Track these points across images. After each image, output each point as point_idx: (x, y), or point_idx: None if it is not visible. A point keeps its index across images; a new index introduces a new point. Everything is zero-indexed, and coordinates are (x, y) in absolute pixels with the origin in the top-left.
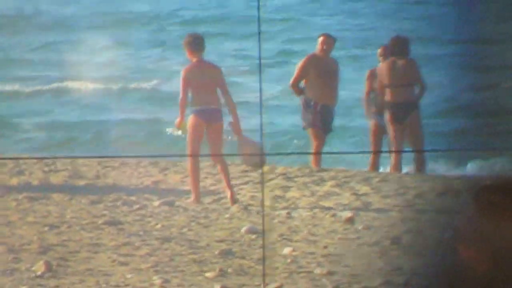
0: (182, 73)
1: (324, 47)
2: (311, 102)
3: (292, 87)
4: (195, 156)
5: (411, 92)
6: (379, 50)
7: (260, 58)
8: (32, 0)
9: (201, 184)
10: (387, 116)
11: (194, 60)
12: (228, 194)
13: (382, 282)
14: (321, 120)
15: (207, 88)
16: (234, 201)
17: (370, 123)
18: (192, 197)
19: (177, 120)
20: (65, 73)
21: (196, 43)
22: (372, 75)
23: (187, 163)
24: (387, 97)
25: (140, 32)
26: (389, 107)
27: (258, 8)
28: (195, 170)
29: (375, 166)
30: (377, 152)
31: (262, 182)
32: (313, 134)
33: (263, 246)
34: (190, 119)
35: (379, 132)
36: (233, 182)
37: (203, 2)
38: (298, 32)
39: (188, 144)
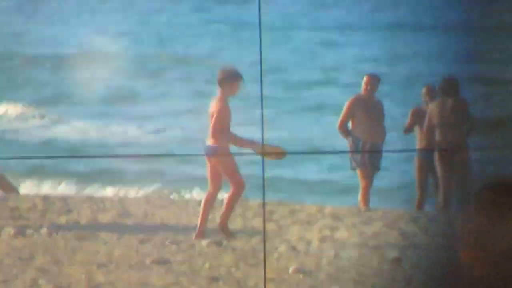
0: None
1: (369, 87)
2: (360, 142)
3: (339, 128)
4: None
5: (460, 132)
6: (423, 90)
7: (261, 73)
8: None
9: (250, 223)
10: (435, 155)
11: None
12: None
13: None
14: (369, 160)
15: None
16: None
17: (415, 161)
18: (196, 232)
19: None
20: None
21: (224, 78)
22: (415, 114)
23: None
24: (437, 136)
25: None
26: (438, 147)
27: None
28: (211, 204)
29: (421, 205)
30: (423, 191)
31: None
32: (362, 174)
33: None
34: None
35: (424, 170)
36: (281, 222)
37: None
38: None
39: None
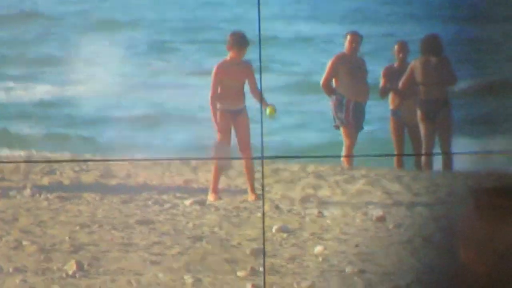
0: (214, 69)
1: (352, 45)
2: (343, 100)
3: (323, 86)
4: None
5: (443, 90)
6: (396, 47)
7: (260, 54)
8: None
9: (233, 183)
10: (419, 113)
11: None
12: (249, 189)
13: (413, 280)
14: (353, 118)
15: (235, 86)
16: (254, 197)
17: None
18: (211, 196)
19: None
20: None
21: (234, 41)
22: (388, 72)
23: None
24: (420, 94)
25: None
26: (422, 105)
27: (259, 5)
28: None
29: (399, 163)
30: (400, 149)
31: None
32: (346, 132)
33: (263, 248)
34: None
35: (400, 128)
36: (264, 181)
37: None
38: None
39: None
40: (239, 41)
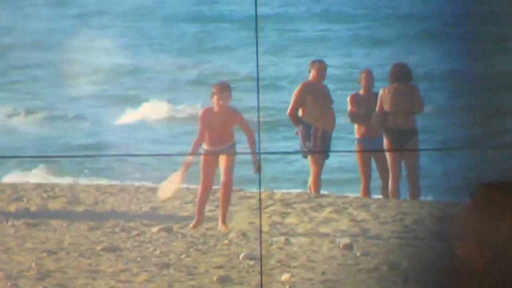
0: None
1: (318, 73)
2: (311, 129)
3: (290, 116)
4: (207, 187)
5: (411, 119)
6: (362, 74)
7: (257, 68)
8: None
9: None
10: (386, 142)
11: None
12: (220, 220)
13: None
14: (321, 146)
15: (222, 129)
16: (225, 229)
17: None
18: (194, 222)
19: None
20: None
21: (220, 91)
22: (355, 100)
23: (198, 191)
24: (388, 123)
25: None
26: (389, 134)
27: (256, 12)
28: (204, 198)
29: (366, 191)
30: (367, 177)
31: (260, 208)
32: (313, 160)
33: (260, 273)
34: (203, 156)
35: (366, 157)
36: (231, 208)
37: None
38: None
39: (201, 176)
40: (223, 88)
